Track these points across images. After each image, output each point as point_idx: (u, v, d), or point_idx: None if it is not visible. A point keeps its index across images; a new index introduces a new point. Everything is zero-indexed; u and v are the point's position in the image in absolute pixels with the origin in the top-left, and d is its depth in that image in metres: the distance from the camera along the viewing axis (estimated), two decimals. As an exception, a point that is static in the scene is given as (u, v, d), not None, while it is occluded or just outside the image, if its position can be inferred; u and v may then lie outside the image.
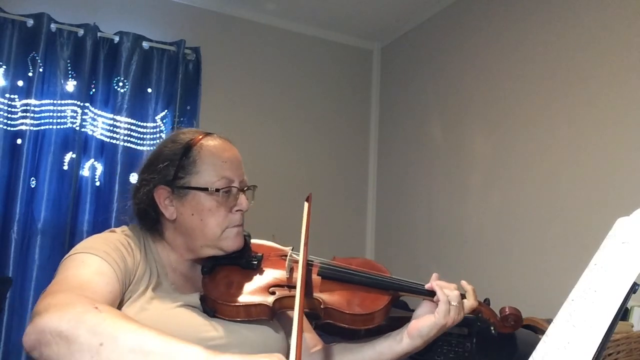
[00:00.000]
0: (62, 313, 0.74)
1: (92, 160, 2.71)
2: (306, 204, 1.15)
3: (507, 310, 1.10)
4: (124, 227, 1.11)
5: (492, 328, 1.09)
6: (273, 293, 1.04)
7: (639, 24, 1.96)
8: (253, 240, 1.18)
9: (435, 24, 3.11)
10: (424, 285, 1.09)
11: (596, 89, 2.10)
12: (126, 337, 0.72)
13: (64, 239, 2.57)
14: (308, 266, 1.10)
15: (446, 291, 1.05)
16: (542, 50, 2.36)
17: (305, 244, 1.05)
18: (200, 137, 1.10)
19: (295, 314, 0.83)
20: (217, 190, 1.05)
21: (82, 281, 0.88)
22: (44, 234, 2.55)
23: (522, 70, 2.45)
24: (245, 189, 1.12)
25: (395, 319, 1.11)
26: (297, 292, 0.90)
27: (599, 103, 2.09)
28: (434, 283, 1.07)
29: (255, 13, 3.23)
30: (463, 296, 1.08)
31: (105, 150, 2.74)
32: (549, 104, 2.30)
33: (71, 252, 0.97)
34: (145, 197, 1.08)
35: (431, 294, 1.08)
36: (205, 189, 1.05)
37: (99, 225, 2.62)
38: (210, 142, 1.10)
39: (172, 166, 1.07)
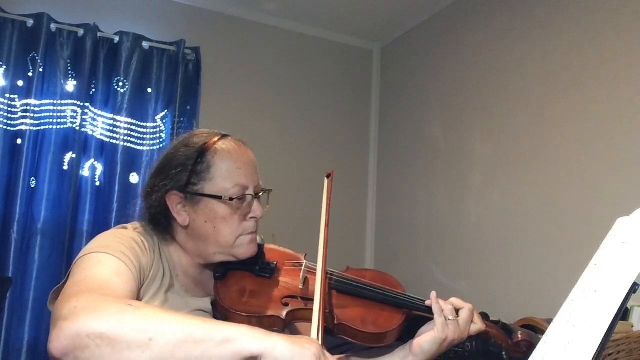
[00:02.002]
0: (97, 314, 0.73)
1: (92, 160, 2.71)
2: (326, 181, 1.13)
3: (519, 336, 1.11)
4: (136, 224, 1.09)
5: (504, 353, 1.10)
6: (286, 304, 1.02)
7: (637, 25, 1.96)
8: (267, 245, 1.16)
9: (435, 24, 3.11)
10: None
11: (596, 88, 2.10)
12: (174, 329, 0.72)
13: (64, 239, 2.57)
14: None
15: (442, 304, 1.06)
16: (542, 50, 2.36)
17: (327, 225, 1.05)
18: (215, 140, 1.07)
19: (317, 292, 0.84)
20: (231, 198, 1.03)
21: (101, 282, 0.86)
22: (44, 234, 2.55)
23: (522, 70, 2.45)
24: (260, 194, 1.10)
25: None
26: (319, 259, 0.91)
27: (599, 103, 2.09)
28: (432, 298, 1.08)
29: (255, 13, 3.23)
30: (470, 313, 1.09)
31: (105, 150, 2.73)
32: (548, 104, 2.30)
33: (85, 251, 0.95)
34: (157, 203, 1.06)
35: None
36: (218, 197, 1.03)
37: (99, 225, 2.62)
38: (225, 146, 1.06)
39: (185, 171, 1.04)
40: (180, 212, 1.05)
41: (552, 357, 0.67)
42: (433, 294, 1.08)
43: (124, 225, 1.09)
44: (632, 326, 1.54)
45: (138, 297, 0.95)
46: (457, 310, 1.07)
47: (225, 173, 1.04)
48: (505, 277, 2.39)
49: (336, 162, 3.43)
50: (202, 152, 1.05)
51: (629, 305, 1.47)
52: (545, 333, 0.73)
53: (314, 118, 3.40)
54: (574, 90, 2.19)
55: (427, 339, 1.04)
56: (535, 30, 2.41)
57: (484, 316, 1.14)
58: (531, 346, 1.10)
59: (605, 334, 0.62)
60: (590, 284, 0.70)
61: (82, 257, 0.93)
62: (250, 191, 1.07)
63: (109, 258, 0.92)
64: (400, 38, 3.44)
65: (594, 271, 0.72)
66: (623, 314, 0.80)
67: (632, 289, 0.64)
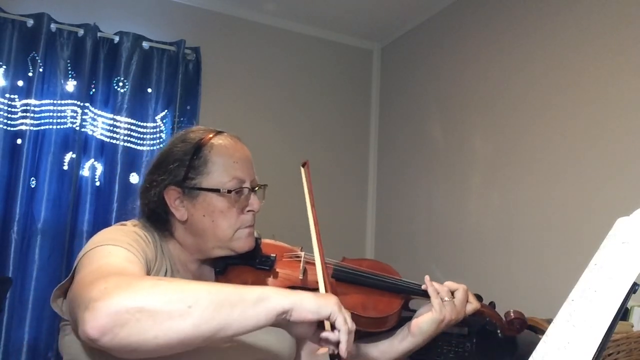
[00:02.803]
0: (131, 290, 0.74)
1: (92, 160, 2.71)
2: (303, 170, 1.17)
3: (512, 314, 1.16)
4: (134, 221, 1.10)
5: (498, 331, 1.14)
6: None
7: (637, 25, 1.96)
8: (263, 240, 1.18)
9: (435, 24, 3.11)
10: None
11: (596, 88, 2.10)
12: (209, 295, 0.75)
13: (64, 239, 2.56)
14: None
15: (436, 286, 1.12)
16: (541, 50, 2.36)
17: (312, 205, 1.09)
18: (211, 136, 1.09)
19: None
20: (229, 191, 1.04)
21: (119, 267, 0.86)
22: (44, 234, 2.55)
23: (522, 70, 2.45)
24: (257, 188, 1.11)
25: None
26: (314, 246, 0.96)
27: (599, 103, 2.09)
28: (426, 282, 1.13)
29: (255, 13, 3.23)
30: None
31: (105, 150, 2.73)
32: (548, 103, 2.30)
33: (91, 244, 0.94)
34: (155, 198, 1.06)
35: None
36: (216, 190, 1.04)
37: (99, 225, 2.61)
38: (221, 141, 1.08)
39: (182, 166, 1.05)
40: (178, 207, 1.06)
41: (552, 357, 0.67)
42: (427, 277, 1.13)
43: (123, 222, 1.09)
44: (632, 326, 1.54)
45: None
46: (452, 292, 1.12)
47: (222, 167, 1.05)
48: (505, 277, 2.39)
49: (336, 161, 3.43)
50: (198, 147, 1.06)
51: (629, 305, 1.47)
52: (545, 333, 0.73)
53: (314, 118, 3.40)
54: (574, 90, 2.19)
55: (425, 319, 1.09)
56: (535, 30, 2.41)
57: (478, 298, 1.19)
58: (524, 324, 1.16)
59: (605, 334, 0.62)
60: (590, 284, 0.70)
61: (90, 251, 0.92)
62: (247, 185, 1.08)
63: (118, 249, 0.92)
64: (400, 38, 3.44)
65: (594, 271, 0.72)
66: (623, 314, 0.80)
67: (632, 289, 0.64)
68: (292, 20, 3.33)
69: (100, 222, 2.63)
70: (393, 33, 3.45)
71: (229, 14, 3.17)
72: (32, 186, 2.56)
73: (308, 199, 1.11)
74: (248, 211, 1.08)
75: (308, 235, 1.08)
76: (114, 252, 0.91)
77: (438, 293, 1.10)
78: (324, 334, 0.84)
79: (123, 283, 0.76)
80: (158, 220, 1.08)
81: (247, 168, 1.09)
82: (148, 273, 0.98)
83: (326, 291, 0.93)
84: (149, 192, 1.08)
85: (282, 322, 0.80)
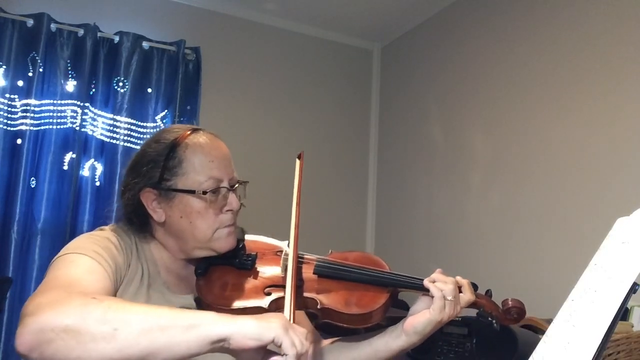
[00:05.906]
0: (60, 308, 0.73)
1: (92, 160, 2.71)
2: (298, 162, 1.14)
3: (509, 302, 1.08)
4: (113, 225, 1.09)
5: (494, 322, 1.05)
6: (269, 294, 1.02)
7: (638, 24, 1.96)
8: (247, 236, 1.15)
9: (435, 24, 3.11)
10: (422, 280, 1.06)
11: (596, 88, 2.10)
12: (138, 318, 0.73)
13: (64, 239, 2.56)
14: (301, 263, 1.09)
15: (440, 285, 1.02)
16: (541, 50, 2.36)
17: (298, 204, 1.06)
18: (186, 134, 1.06)
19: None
20: (204, 192, 1.02)
21: (71, 280, 0.86)
22: (44, 234, 2.55)
23: (522, 70, 2.45)
24: (236, 186, 1.08)
25: (396, 319, 1.10)
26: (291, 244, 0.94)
27: (599, 103, 2.09)
28: (427, 280, 1.05)
29: (256, 13, 3.23)
30: (460, 290, 1.06)
31: (105, 150, 2.73)
32: (549, 103, 2.30)
33: (60, 253, 0.95)
34: (131, 201, 1.05)
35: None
36: (192, 191, 1.02)
37: (99, 225, 2.59)
38: (196, 140, 1.05)
39: (157, 168, 1.03)
40: (155, 209, 1.04)
41: (552, 357, 0.67)
42: (439, 271, 1.05)
43: (102, 227, 1.09)
44: (632, 326, 1.54)
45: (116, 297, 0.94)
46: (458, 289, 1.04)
47: (198, 167, 1.03)
48: (505, 277, 2.39)
49: (336, 161, 3.43)
50: (173, 147, 1.04)
51: (629, 305, 1.47)
52: (545, 333, 0.73)
53: (314, 118, 3.40)
54: (574, 90, 2.19)
55: (421, 320, 1.02)
56: (535, 30, 2.41)
57: (473, 287, 1.12)
58: (522, 312, 1.09)
59: (605, 334, 0.62)
60: (591, 283, 0.70)
61: (56, 260, 0.93)
62: (225, 184, 1.05)
63: (82, 258, 0.92)
64: (400, 38, 3.44)
65: (594, 271, 0.72)
66: (623, 314, 0.80)
67: (632, 289, 0.64)
68: (292, 20, 3.33)
69: (100, 222, 2.59)
70: (393, 33, 3.45)
71: (229, 14, 3.17)
72: (32, 186, 2.56)
73: (295, 195, 1.08)
74: (227, 211, 1.06)
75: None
76: (76, 262, 0.91)
77: (441, 291, 1.01)
78: (273, 359, 0.77)
79: (56, 299, 0.75)
80: (136, 222, 1.07)
81: (224, 166, 1.06)
82: (120, 279, 0.97)
83: (290, 312, 0.88)
84: (125, 195, 1.07)
85: (223, 350, 0.76)
